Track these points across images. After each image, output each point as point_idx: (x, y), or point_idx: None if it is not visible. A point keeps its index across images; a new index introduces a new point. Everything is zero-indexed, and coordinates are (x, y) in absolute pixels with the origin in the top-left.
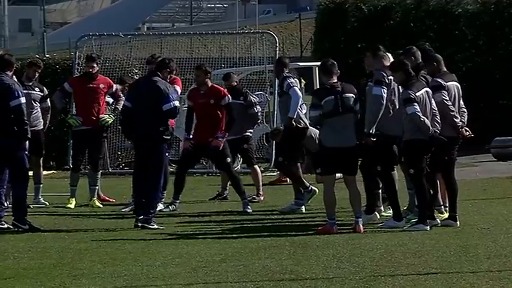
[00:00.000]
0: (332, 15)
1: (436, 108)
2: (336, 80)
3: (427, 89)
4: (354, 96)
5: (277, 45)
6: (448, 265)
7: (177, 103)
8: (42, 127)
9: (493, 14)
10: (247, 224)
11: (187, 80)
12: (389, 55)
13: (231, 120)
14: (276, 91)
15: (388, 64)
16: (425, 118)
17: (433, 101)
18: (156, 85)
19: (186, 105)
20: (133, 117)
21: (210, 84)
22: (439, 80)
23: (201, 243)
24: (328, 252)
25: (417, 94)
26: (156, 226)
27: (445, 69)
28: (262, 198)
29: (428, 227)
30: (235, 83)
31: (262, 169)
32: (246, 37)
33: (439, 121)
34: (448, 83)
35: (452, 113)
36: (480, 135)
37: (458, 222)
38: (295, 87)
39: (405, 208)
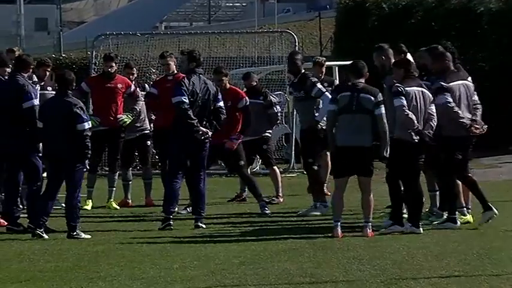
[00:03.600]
0: (352, 13)
1: (433, 112)
2: (362, 81)
3: (423, 90)
4: (374, 98)
5: (297, 44)
6: (470, 268)
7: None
8: None
9: None
10: (267, 226)
11: None
12: (408, 55)
13: (246, 123)
14: (294, 94)
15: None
16: (410, 113)
17: (432, 106)
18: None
19: None
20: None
21: (228, 86)
22: (441, 82)
23: (219, 245)
24: (348, 254)
25: (407, 89)
26: (204, 226)
27: (454, 68)
28: (281, 200)
29: (404, 228)
30: (255, 83)
31: (282, 170)
32: (264, 36)
33: (433, 125)
34: (452, 84)
35: (457, 114)
36: (504, 135)
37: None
38: (327, 93)
39: (426, 210)
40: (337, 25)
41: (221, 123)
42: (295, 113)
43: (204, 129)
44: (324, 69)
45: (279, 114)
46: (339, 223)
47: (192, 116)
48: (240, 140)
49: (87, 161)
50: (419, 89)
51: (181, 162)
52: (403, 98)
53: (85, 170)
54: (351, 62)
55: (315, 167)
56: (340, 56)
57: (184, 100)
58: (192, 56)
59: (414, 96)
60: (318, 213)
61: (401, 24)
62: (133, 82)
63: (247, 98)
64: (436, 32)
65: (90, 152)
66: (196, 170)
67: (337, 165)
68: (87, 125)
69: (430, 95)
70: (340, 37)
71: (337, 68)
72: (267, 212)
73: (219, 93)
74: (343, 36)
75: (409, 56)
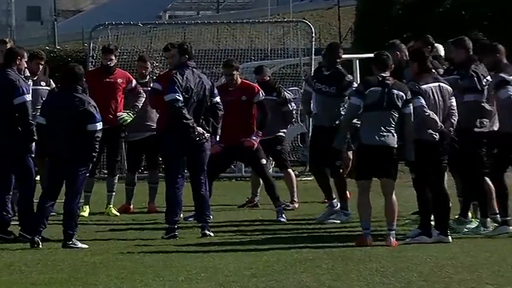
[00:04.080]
0: (375, 2)
1: (453, 107)
2: (388, 75)
3: (441, 84)
4: (405, 96)
5: (313, 35)
6: (504, 280)
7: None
8: None
9: None
10: (281, 234)
11: (213, 74)
12: (440, 46)
13: (264, 119)
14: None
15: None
16: (431, 113)
17: (452, 100)
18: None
19: None
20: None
21: (239, 80)
22: (503, 75)
23: (229, 255)
24: (370, 266)
25: (423, 87)
26: (212, 234)
27: (506, 61)
28: (296, 205)
29: (432, 238)
30: (268, 77)
31: (297, 173)
32: (278, 26)
33: (454, 121)
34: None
35: None
36: None
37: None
38: None
39: (456, 217)
40: (358, 14)
41: (218, 121)
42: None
43: (201, 130)
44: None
45: (294, 111)
46: (369, 230)
47: (187, 115)
48: (259, 138)
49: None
50: (436, 84)
51: (180, 164)
52: (421, 97)
53: (88, 173)
54: (374, 54)
55: (341, 170)
56: (360, 48)
57: (178, 98)
58: (184, 48)
59: (431, 93)
60: (338, 222)
61: (428, 13)
62: (148, 77)
63: (262, 91)
64: (466, 22)
65: (96, 155)
66: (196, 173)
67: (362, 165)
68: (99, 125)
69: (449, 88)
70: (361, 27)
71: (357, 61)
72: (282, 220)
73: (215, 88)
74: (364, 27)
75: (440, 48)
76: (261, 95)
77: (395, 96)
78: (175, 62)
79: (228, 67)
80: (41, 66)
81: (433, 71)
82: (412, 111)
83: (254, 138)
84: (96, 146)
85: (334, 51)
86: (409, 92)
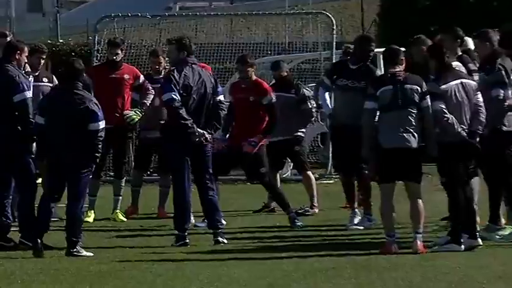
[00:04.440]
0: None
1: (480, 103)
2: (400, 69)
3: (464, 80)
4: (420, 89)
5: (334, 27)
6: None
7: None
8: None
9: None
10: (300, 242)
11: (227, 70)
12: (470, 40)
13: (271, 123)
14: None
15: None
16: (451, 117)
17: (478, 96)
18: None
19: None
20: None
21: (254, 78)
22: None
23: (243, 264)
24: (396, 275)
25: (443, 87)
26: (226, 241)
27: None
28: (316, 210)
29: (462, 247)
30: (286, 73)
31: (317, 176)
32: (297, 18)
33: (483, 119)
34: None
35: None
36: None
37: None
38: None
39: (487, 223)
40: (382, 5)
41: (221, 121)
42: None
43: (201, 131)
44: None
45: (313, 110)
46: (394, 237)
47: (185, 115)
48: (261, 143)
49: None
50: (457, 81)
51: (183, 166)
52: (441, 100)
53: (91, 175)
54: (384, 49)
55: (366, 172)
56: (385, 42)
57: (174, 97)
58: (182, 43)
59: (453, 92)
60: (361, 228)
61: (457, 4)
62: (164, 73)
63: (273, 94)
64: (498, 13)
65: (99, 155)
66: (200, 176)
67: (384, 168)
68: (102, 124)
69: (474, 84)
70: (385, 20)
71: (381, 56)
72: (298, 224)
73: (219, 85)
74: (388, 19)
75: (470, 42)
76: (271, 97)
77: (409, 91)
78: (173, 59)
79: (242, 63)
80: (42, 61)
81: (456, 67)
82: (429, 104)
83: (253, 143)
84: (99, 146)
85: (367, 44)
86: (424, 84)
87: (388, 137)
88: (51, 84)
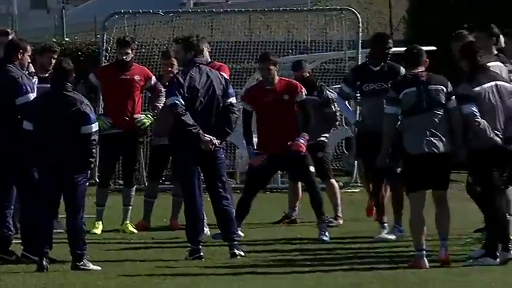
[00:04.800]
0: None
1: None
2: (422, 70)
3: (499, 82)
4: (445, 89)
5: (360, 25)
6: None
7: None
8: None
9: None
10: (322, 255)
11: (244, 70)
12: (501, 38)
13: (308, 120)
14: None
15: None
16: (482, 122)
17: None
18: None
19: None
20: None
21: (277, 77)
22: None
23: (262, 279)
24: None
25: (476, 89)
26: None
27: None
28: (341, 221)
29: (497, 261)
30: (308, 74)
31: (342, 184)
32: (320, 15)
33: None
34: None
35: None
36: None
37: None
38: None
39: None
40: (412, 1)
41: (231, 126)
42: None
43: (208, 138)
44: None
45: (337, 113)
46: (424, 251)
47: (189, 121)
48: (306, 142)
49: (95, 173)
50: (492, 83)
51: (193, 174)
52: (473, 103)
53: (88, 182)
54: (405, 49)
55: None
56: (414, 41)
57: (177, 102)
58: (189, 43)
59: (487, 95)
60: (392, 238)
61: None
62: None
63: (304, 89)
64: None
65: (94, 160)
66: (212, 184)
67: (411, 176)
68: (95, 127)
69: (509, 86)
70: (415, 16)
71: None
72: (325, 239)
73: (230, 87)
74: (419, 15)
75: (501, 41)
76: (303, 93)
77: (433, 92)
78: (181, 59)
79: (264, 61)
80: (53, 61)
81: (494, 67)
82: (456, 104)
83: (302, 140)
84: (93, 150)
85: (383, 42)
86: (449, 84)
87: (414, 143)
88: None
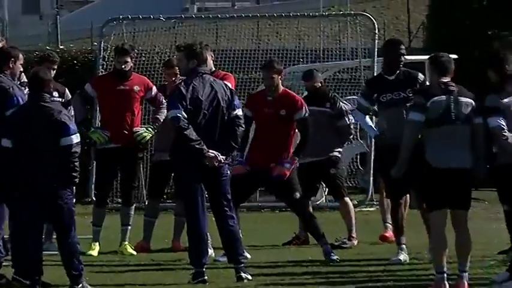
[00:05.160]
0: None
1: None
2: (449, 80)
3: None
4: (474, 103)
5: (377, 31)
6: None
7: None
8: None
9: None
10: (335, 278)
11: (251, 80)
12: None
13: (304, 141)
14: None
15: None
16: (511, 136)
17: None
18: None
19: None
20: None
21: (281, 88)
22: None
23: None
24: None
25: (505, 101)
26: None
27: None
28: (355, 242)
29: None
30: (320, 84)
31: (356, 203)
32: (333, 21)
33: None
34: None
35: None
36: None
37: None
38: None
39: None
40: (432, 6)
41: (237, 140)
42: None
43: (212, 154)
44: None
45: (352, 126)
46: (445, 274)
47: (192, 136)
48: (294, 166)
49: (92, 191)
50: None
51: (196, 192)
52: (500, 116)
53: (75, 198)
54: (430, 56)
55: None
56: (434, 48)
57: (179, 115)
58: (192, 51)
59: None
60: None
61: None
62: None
63: (306, 107)
64: None
65: (78, 175)
66: (217, 203)
67: (435, 193)
68: (75, 138)
69: None
70: (435, 22)
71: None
72: (334, 258)
73: (235, 98)
74: (439, 21)
75: None
76: (305, 110)
77: (463, 105)
78: (183, 69)
79: (269, 69)
80: (53, 72)
81: None
82: (481, 120)
83: (287, 165)
84: (76, 164)
85: (394, 48)
86: (474, 99)
87: (440, 156)
88: (61, 100)
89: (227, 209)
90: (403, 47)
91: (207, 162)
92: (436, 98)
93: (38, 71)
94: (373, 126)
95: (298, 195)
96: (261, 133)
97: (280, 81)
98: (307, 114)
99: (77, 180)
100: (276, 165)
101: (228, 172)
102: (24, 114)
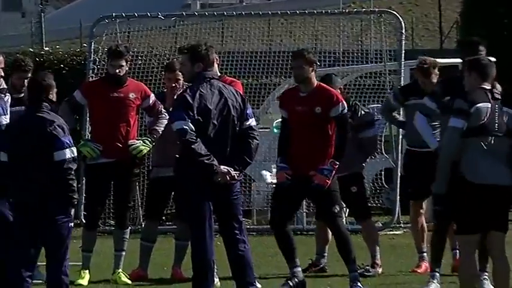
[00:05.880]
0: None
1: None
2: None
3: None
4: None
5: (403, 31)
6: None
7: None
8: None
9: None
10: None
11: (262, 86)
12: None
13: (343, 142)
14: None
15: None
16: None
17: None
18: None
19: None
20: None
21: (315, 82)
22: None
23: None
24: None
25: None
26: None
27: None
28: (380, 270)
29: None
30: (339, 90)
31: (381, 225)
32: (354, 19)
33: None
34: None
35: None
36: None
37: None
38: None
39: None
40: (466, 3)
41: (252, 153)
42: (400, 136)
43: (224, 169)
44: (433, 77)
45: (376, 138)
46: None
47: (201, 151)
48: (335, 172)
49: (81, 212)
50: None
51: (203, 212)
52: None
53: (72, 223)
54: (470, 59)
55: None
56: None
57: (186, 127)
58: (197, 53)
59: None
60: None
61: None
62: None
63: (344, 102)
64: None
65: (75, 194)
66: (227, 225)
67: (467, 212)
68: (70, 152)
69: None
70: (470, 21)
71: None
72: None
73: (248, 106)
74: (474, 20)
75: None
76: (342, 106)
77: (508, 115)
78: (187, 73)
79: (298, 57)
80: (26, 82)
81: None
82: None
83: (326, 172)
84: (72, 181)
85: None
86: None
87: (481, 170)
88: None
89: (238, 232)
90: (482, 48)
91: (219, 178)
92: (482, 104)
93: (37, 78)
94: (432, 134)
95: (338, 208)
96: (295, 135)
97: (313, 74)
98: (345, 110)
99: (74, 201)
100: (315, 173)
101: (239, 191)
102: (20, 125)
